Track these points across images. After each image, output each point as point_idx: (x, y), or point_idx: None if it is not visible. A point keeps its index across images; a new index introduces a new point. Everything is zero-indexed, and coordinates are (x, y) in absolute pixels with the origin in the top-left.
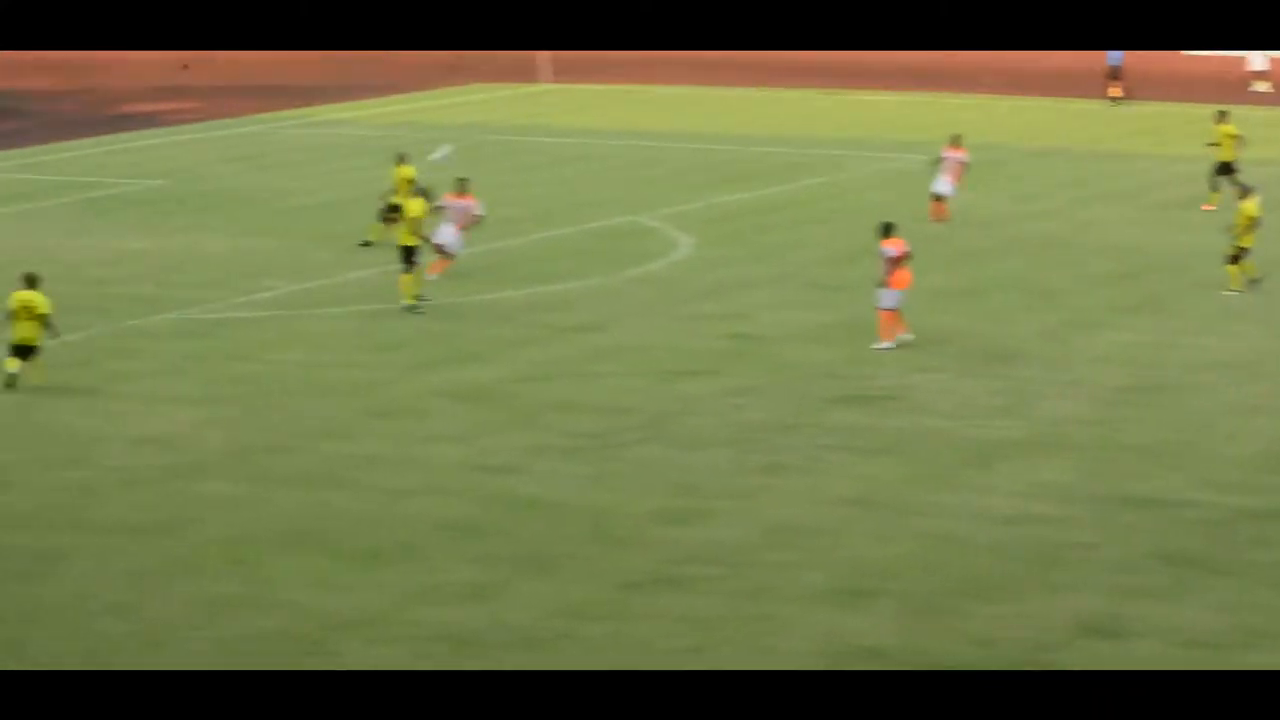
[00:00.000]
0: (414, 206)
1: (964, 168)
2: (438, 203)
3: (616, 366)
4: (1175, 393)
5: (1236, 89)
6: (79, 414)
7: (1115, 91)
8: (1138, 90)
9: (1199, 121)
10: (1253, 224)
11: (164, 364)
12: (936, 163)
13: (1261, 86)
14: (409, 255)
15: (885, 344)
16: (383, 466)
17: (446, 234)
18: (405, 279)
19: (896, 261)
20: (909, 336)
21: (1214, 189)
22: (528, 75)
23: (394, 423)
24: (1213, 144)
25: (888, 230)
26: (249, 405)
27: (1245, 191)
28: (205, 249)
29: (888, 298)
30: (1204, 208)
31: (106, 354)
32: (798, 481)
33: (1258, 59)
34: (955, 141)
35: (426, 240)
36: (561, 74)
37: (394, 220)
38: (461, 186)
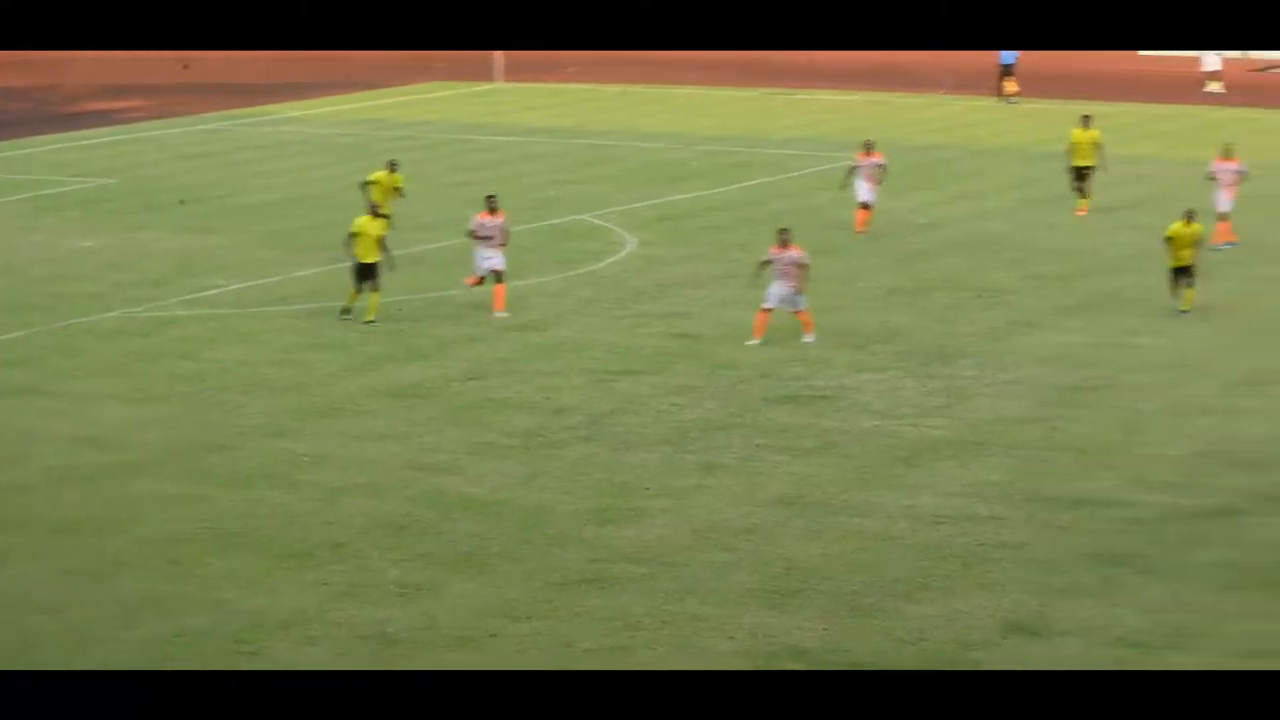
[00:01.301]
0: (375, 225)
1: (882, 171)
2: (471, 227)
3: (556, 365)
4: (1114, 393)
5: (1191, 89)
6: (17, 413)
7: (1011, 88)
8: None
9: (1152, 122)
10: (1189, 242)
11: (105, 362)
12: (851, 171)
13: (1214, 87)
14: (366, 273)
15: (808, 338)
16: (319, 465)
17: (486, 259)
18: (363, 297)
19: (802, 265)
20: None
21: (1083, 194)
22: (482, 74)
23: (333, 421)
24: (1087, 145)
25: (785, 235)
26: (189, 404)
27: (1188, 215)
28: (152, 247)
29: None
30: (1077, 212)
31: (48, 352)
32: (731, 481)
33: (1211, 59)
34: (868, 148)
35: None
36: (515, 73)
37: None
38: (492, 204)
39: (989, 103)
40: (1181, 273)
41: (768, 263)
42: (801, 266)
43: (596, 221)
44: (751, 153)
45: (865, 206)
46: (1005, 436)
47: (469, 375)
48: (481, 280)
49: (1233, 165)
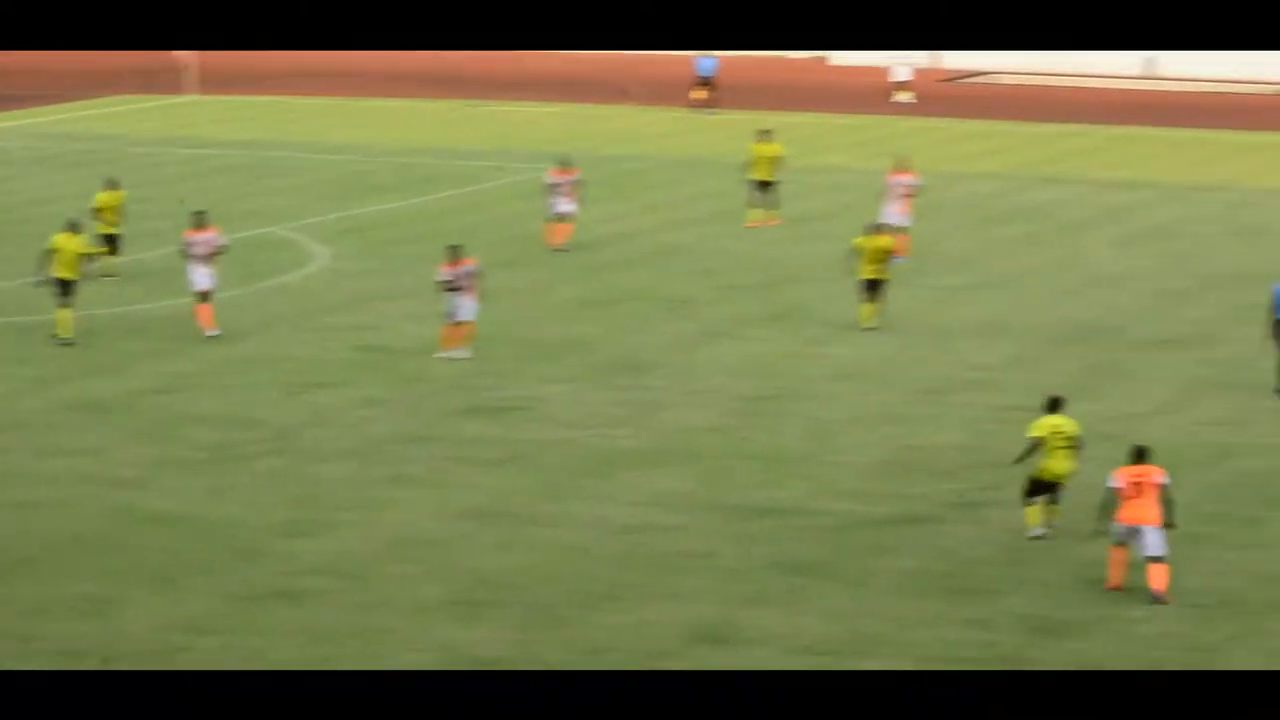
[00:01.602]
0: (74, 242)
1: (580, 187)
2: (183, 245)
3: (246, 379)
4: (801, 402)
5: (880, 99)
6: None
7: (698, 97)
8: (727, 98)
9: (842, 132)
10: (879, 255)
11: None
12: (549, 188)
13: (904, 97)
14: (65, 290)
15: (460, 352)
16: (6, 481)
17: (200, 276)
18: (62, 314)
19: (475, 276)
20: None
21: (759, 205)
22: (173, 87)
23: (19, 436)
24: (766, 159)
25: (456, 251)
26: None
27: (877, 227)
28: None
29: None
30: (747, 224)
31: None
32: (421, 493)
33: (900, 70)
34: (565, 164)
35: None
36: (208, 86)
37: (111, 251)
38: (200, 220)
39: (682, 113)
40: (871, 286)
41: (447, 282)
42: (473, 276)
43: (287, 234)
44: (442, 165)
45: (563, 219)
46: (693, 446)
47: (158, 389)
48: (203, 296)
49: (906, 178)
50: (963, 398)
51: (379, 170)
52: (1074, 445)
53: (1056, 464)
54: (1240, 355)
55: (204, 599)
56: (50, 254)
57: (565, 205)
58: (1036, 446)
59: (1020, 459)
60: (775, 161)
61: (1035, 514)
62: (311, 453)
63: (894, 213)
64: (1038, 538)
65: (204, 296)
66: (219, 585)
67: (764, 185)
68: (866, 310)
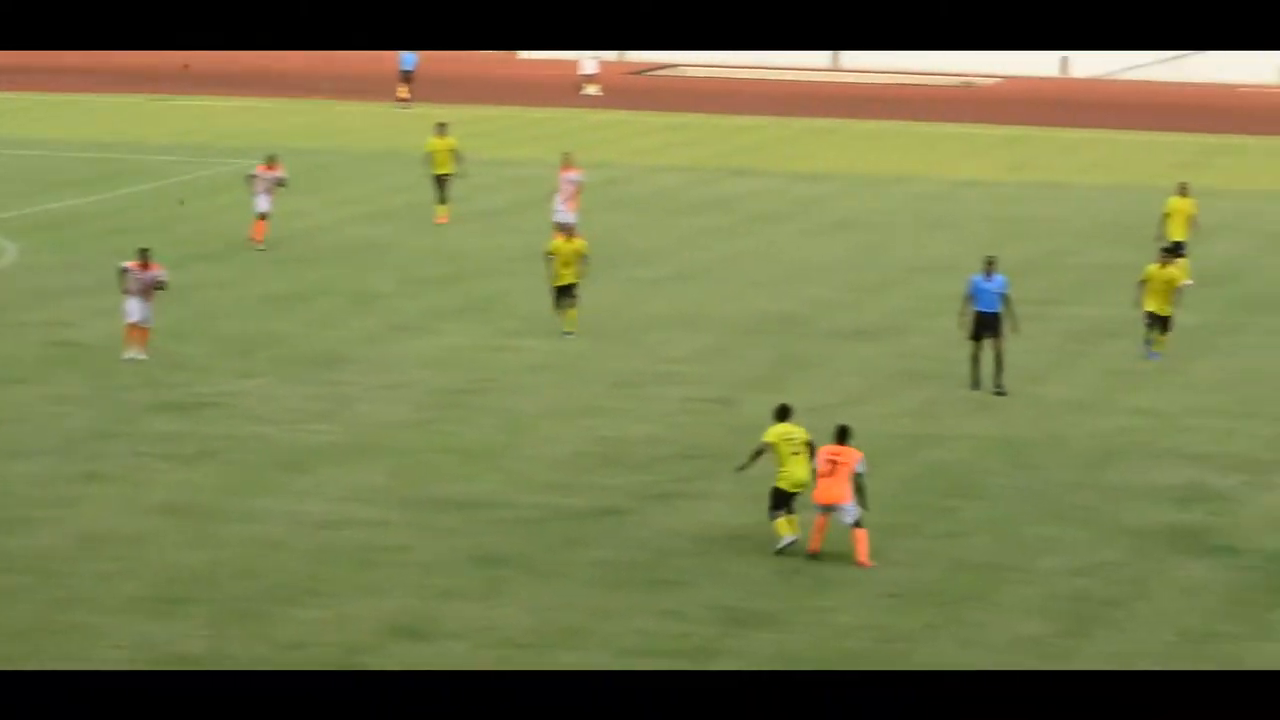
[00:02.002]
0: None
1: (277, 185)
2: None
3: None
4: (496, 395)
5: (569, 92)
6: None
7: (403, 94)
8: (432, 93)
9: (532, 125)
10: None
11: None
12: (250, 180)
13: (592, 90)
14: None
15: (139, 354)
16: None
17: None
18: None
19: (160, 285)
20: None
21: (444, 200)
22: None
23: None
24: (443, 152)
25: (145, 255)
26: None
27: (567, 230)
28: None
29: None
30: (437, 220)
31: None
32: (115, 489)
33: (588, 63)
34: (271, 161)
35: None
36: None
37: None
38: None
39: (380, 107)
40: (564, 291)
41: (125, 272)
42: (159, 282)
43: None
44: (133, 160)
45: (263, 217)
46: (388, 440)
47: None
48: None
49: (573, 174)
50: (655, 390)
51: (69, 165)
52: (807, 451)
53: (795, 470)
54: (931, 346)
55: None
56: None
57: (264, 203)
58: (763, 452)
59: (744, 466)
60: (452, 154)
61: (784, 525)
62: (4, 450)
63: (564, 209)
64: (788, 546)
65: None
66: None
67: (441, 179)
68: (567, 315)
